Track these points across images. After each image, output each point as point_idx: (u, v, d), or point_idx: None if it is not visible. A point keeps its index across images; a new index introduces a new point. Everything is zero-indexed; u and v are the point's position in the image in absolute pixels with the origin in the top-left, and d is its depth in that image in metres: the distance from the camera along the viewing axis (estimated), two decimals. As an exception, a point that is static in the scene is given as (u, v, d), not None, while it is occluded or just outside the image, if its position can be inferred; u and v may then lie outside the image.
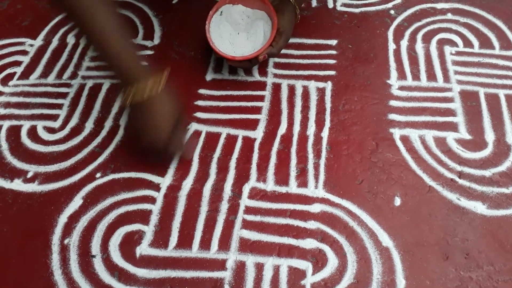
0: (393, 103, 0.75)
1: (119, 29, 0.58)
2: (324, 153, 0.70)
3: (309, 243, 0.61)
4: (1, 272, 0.61)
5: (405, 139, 0.71)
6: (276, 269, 0.59)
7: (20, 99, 0.80)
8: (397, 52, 0.83)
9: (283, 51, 0.83)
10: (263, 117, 0.75)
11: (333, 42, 0.85)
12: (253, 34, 0.75)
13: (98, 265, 0.60)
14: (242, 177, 0.68)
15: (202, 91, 0.79)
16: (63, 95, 0.80)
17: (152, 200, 0.66)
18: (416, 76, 0.79)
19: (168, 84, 0.63)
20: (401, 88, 0.77)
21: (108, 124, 0.75)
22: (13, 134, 0.75)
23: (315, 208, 0.64)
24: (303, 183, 0.66)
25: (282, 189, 0.66)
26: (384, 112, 0.74)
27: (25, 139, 0.74)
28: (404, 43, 0.84)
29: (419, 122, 0.73)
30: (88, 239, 0.63)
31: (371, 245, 0.60)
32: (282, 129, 0.73)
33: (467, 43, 0.83)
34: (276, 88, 0.78)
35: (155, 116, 0.61)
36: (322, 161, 0.69)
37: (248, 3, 0.78)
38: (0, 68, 0.85)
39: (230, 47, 0.75)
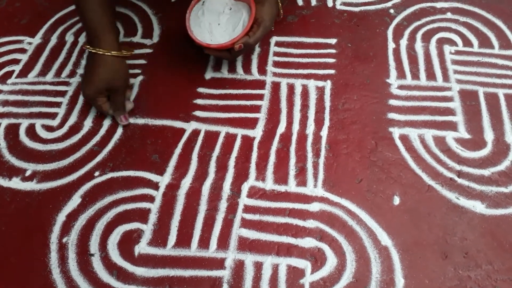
0: (393, 102, 0.75)
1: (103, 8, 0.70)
2: (323, 152, 0.69)
3: (308, 242, 0.61)
4: (-1, 271, 0.61)
5: (404, 138, 0.71)
6: (275, 268, 0.59)
7: (19, 97, 0.80)
8: (397, 51, 0.82)
9: (283, 49, 0.83)
10: (262, 116, 0.74)
11: (333, 41, 0.85)
12: (232, 25, 0.75)
13: (97, 264, 0.60)
14: (241, 176, 0.68)
15: (201, 89, 0.78)
16: (62, 93, 0.80)
17: (151, 199, 0.66)
18: (415, 75, 0.79)
19: (126, 65, 0.74)
20: (401, 87, 0.77)
21: (106, 122, 0.75)
22: (12, 132, 0.75)
23: (314, 207, 0.64)
24: (302, 182, 0.66)
25: (281, 188, 0.66)
26: (383, 111, 0.74)
27: (24, 137, 0.74)
28: (403, 42, 0.84)
29: (419, 121, 0.73)
30: (86, 238, 0.62)
31: (370, 244, 0.60)
32: (281, 128, 0.73)
33: (467, 42, 0.83)
34: (276, 87, 0.78)
35: (93, 69, 0.70)
36: (321, 160, 0.69)
37: None
38: (-1, 66, 0.85)
39: (208, 36, 0.74)
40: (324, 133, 0.72)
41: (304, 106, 0.75)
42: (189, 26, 0.74)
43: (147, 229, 0.63)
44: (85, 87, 0.71)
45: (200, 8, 0.76)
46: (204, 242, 0.61)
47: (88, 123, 0.75)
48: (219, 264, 0.59)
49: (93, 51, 0.69)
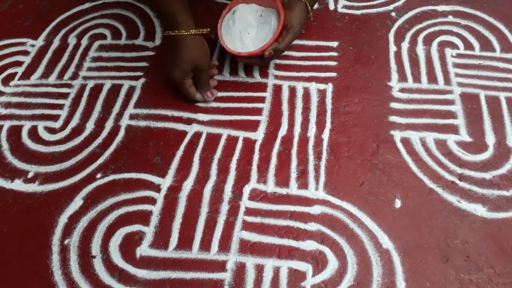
0: (394, 105, 0.75)
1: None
2: (324, 155, 0.70)
3: (309, 245, 0.61)
4: (1, 272, 0.60)
5: (405, 141, 0.71)
6: (276, 271, 0.59)
7: (21, 99, 0.80)
8: (398, 54, 0.83)
9: (284, 52, 0.83)
10: (263, 119, 0.75)
11: (334, 44, 0.85)
12: (262, 32, 0.76)
13: (98, 266, 0.60)
14: (242, 178, 0.68)
15: (203, 92, 0.79)
16: (64, 96, 0.80)
17: (153, 201, 0.66)
18: (417, 78, 0.79)
19: (206, 43, 0.73)
20: (402, 90, 0.77)
21: (109, 124, 0.75)
22: (14, 134, 0.75)
23: (316, 209, 0.64)
24: (303, 184, 0.66)
25: (283, 191, 0.66)
26: (385, 114, 0.74)
27: (26, 139, 0.74)
28: (405, 45, 0.84)
29: (420, 124, 0.73)
30: (88, 240, 0.63)
31: (371, 247, 0.60)
32: (283, 131, 0.73)
33: (468, 45, 0.83)
34: (277, 89, 0.78)
35: (177, 51, 0.71)
36: (323, 163, 0.69)
37: (261, 1, 0.79)
38: (1, 68, 0.86)
39: (239, 44, 0.76)
40: (326, 135, 0.72)
41: (306, 109, 0.75)
42: (221, 36, 0.76)
43: (149, 231, 0.63)
44: (172, 70, 0.72)
45: (231, 18, 0.78)
46: (205, 245, 0.61)
47: (90, 125, 0.75)
48: (220, 266, 0.59)
49: (174, 34, 0.70)
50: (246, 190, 0.66)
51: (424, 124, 0.73)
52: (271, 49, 0.73)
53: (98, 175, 0.69)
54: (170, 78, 0.74)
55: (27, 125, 0.76)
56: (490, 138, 0.71)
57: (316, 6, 0.92)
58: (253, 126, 0.74)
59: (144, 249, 0.61)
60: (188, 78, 0.73)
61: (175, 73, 0.72)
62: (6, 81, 0.83)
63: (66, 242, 0.63)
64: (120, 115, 0.76)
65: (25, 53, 0.88)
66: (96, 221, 0.64)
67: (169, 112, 0.76)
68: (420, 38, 0.85)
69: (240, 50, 0.75)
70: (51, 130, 0.75)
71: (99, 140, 0.73)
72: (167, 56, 0.74)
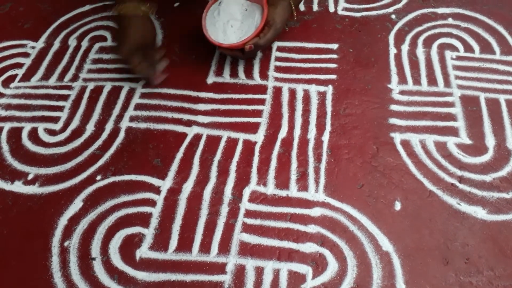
0: (394, 107, 0.75)
1: None
2: (324, 157, 0.70)
3: (309, 247, 0.61)
4: (0, 274, 0.60)
5: (405, 144, 0.71)
6: (276, 273, 0.59)
7: (21, 101, 0.80)
8: (398, 56, 0.83)
9: (284, 54, 0.84)
10: (263, 121, 0.75)
11: (334, 46, 0.85)
12: (246, 26, 0.76)
13: (98, 268, 0.60)
14: (242, 180, 0.68)
15: (203, 94, 0.79)
16: (64, 98, 0.80)
17: (152, 203, 0.66)
18: (417, 81, 0.79)
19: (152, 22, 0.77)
20: (402, 92, 0.77)
21: (109, 126, 0.75)
22: (14, 136, 0.75)
23: (316, 212, 0.64)
24: (303, 187, 0.66)
25: (283, 193, 0.66)
26: (384, 116, 0.74)
27: (26, 141, 0.74)
28: (405, 47, 0.84)
29: (420, 126, 0.73)
30: (88, 242, 0.63)
31: (371, 249, 0.60)
32: (283, 133, 0.73)
33: (468, 48, 0.83)
34: (277, 91, 0.78)
35: (124, 31, 0.73)
36: (323, 165, 0.69)
37: None
38: (2, 70, 0.86)
39: (222, 36, 0.76)
40: (326, 138, 0.72)
41: (306, 111, 0.75)
42: (205, 25, 0.77)
43: (149, 233, 0.63)
44: (120, 47, 0.74)
45: (216, 8, 0.79)
46: (205, 247, 0.61)
47: (90, 127, 0.75)
48: (220, 268, 0.59)
49: (118, 14, 0.73)
50: (246, 192, 0.66)
51: (424, 127, 0.73)
52: (252, 43, 0.74)
53: (98, 177, 0.69)
54: (120, 55, 0.75)
55: (27, 127, 0.76)
56: (490, 141, 0.71)
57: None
58: (253, 128, 0.74)
59: (143, 251, 0.61)
60: (137, 55, 0.74)
61: (123, 49, 0.74)
62: (7, 83, 0.83)
63: (66, 244, 0.63)
64: (120, 117, 0.77)
65: (26, 55, 0.88)
66: (96, 223, 0.64)
67: (169, 114, 0.76)
68: (420, 41, 0.85)
69: (222, 41, 0.75)
70: (51, 132, 0.75)
71: (99, 142, 0.73)
72: (115, 35, 0.76)
